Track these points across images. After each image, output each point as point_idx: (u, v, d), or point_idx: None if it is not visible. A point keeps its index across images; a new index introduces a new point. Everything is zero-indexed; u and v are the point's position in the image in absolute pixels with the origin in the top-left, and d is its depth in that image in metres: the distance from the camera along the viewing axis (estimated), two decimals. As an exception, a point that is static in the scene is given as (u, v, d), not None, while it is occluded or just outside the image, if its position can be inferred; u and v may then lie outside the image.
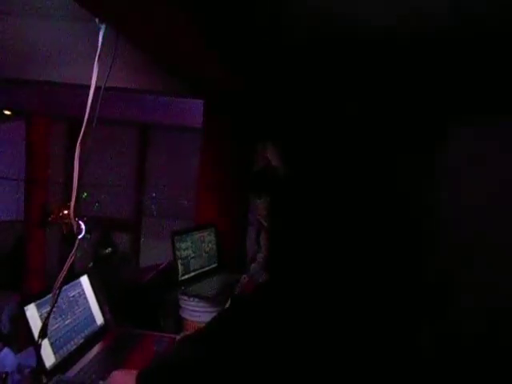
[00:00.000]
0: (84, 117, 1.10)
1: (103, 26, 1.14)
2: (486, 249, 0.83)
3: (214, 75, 1.73)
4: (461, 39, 1.17)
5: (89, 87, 1.15)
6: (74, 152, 1.10)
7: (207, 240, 2.07)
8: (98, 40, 1.13)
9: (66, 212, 3.49)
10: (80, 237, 1.07)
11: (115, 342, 1.41)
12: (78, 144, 1.09)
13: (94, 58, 1.12)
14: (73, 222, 1.05)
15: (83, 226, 1.44)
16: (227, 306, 1.49)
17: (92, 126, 1.11)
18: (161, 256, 2.88)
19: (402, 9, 1.15)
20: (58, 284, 0.99)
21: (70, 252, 1.03)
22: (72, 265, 1.05)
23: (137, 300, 2.11)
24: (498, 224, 0.85)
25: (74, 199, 1.07)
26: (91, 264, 3.41)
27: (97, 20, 1.14)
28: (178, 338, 1.46)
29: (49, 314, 0.97)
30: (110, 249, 4.11)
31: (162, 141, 4.60)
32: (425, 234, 0.82)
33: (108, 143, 4.06)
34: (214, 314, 1.73)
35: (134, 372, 0.81)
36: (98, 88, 1.14)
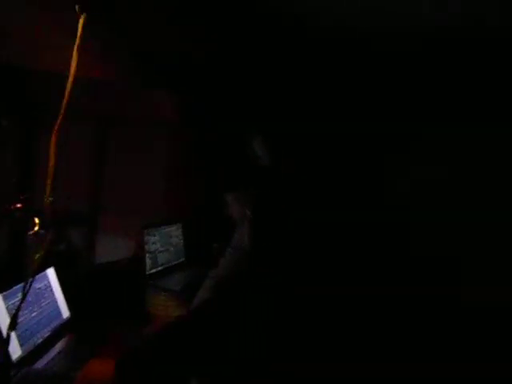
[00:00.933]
0: (60, 106, 1.09)
1: (83, 15, 1.13)
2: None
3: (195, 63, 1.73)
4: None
5: (63, 76, 1.14)
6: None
7: (175, 235, 2.08)
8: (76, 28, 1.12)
9: (18, 206, 3.34)
10: (32, 232, 1.06)
11: (82, 335, 1.39)
12: (54, 133, 1.07)
13: (73, 47, 1.11)
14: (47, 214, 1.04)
15: (37, 221, 1.42)
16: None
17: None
18: (118, 253, 2.83)
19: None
20: (30, 275, 0.98)
21: (44, 242, 1.02)
22: (22, 262, 1.04)
23: (101, 294, 2.08)
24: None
25: (48, 192, 1.05)
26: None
27: (77, 8, 1.12)
28: (145, 331, 1.47)
29: (19, 305, 0.95)
30: (62, 245, 3.98)
31: (123, 133, 4.49)
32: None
33: (63, 134, 3.92)
34: (180, 308, 1.76)
35: (112, 360, 0.82)
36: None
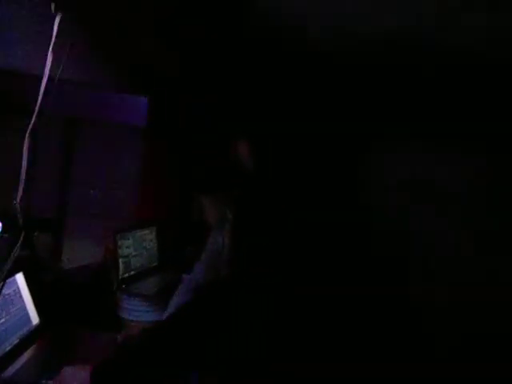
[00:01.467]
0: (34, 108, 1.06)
1: (59, 14, 1.11)
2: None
3: (168, 70, 1.72)
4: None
5: (37, 77, 1.11)
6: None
7: (148, 239, 2.05)
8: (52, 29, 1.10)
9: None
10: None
11: (53, 342, 1.35)
12: (27, 135, 1.05)
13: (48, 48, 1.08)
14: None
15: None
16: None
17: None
18: (87, 257, 2.77)
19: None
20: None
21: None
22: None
23: (71, 299, 2.03)
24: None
25: (20, 193, 1.02)
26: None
27: (52, 7, 1.10)
28: (119, 337, 1.44)
29: (-12, 311, 0.92)
30: (27, 250, 3.83)
31: (93, 137, 4.39)
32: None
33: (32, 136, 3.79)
34: (153, 314, 1.73)
35: (88, 367, 0.80)
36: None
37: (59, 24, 1.09)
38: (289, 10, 1.15)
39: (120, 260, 1.80)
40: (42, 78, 1.08)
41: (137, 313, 1.71)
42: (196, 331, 0.81)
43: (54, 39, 1.08)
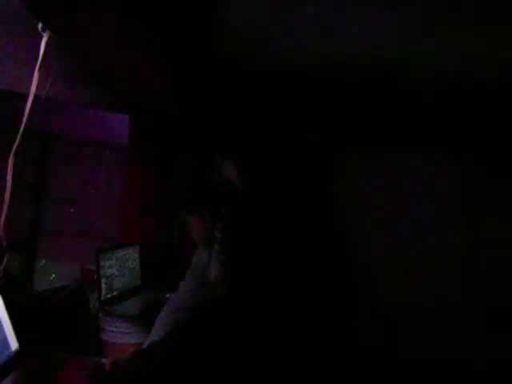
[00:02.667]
0: (20, 127, 1.04)
1: (46, 34, 1.10)
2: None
3: (152, 89, 1.73)
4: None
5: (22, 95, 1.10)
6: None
7: (131, 258, 2.01)
8: (39, 48, 1.09)
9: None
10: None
11: (35, 368, 1.30)
12: (11, 155, 1.03)
13: (34, 67, 1.07)
14: None
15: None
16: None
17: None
18: (60, 279, 2.68)
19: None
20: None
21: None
22: None
23: (49, 323, 1.95)
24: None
25: (4, 215, 0.99)
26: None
27: (39, 27, 1.09)
28: (105, 362, 1.40)
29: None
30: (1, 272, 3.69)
31: (69, 154, 4.31)
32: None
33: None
34: (137, 335, 1.69)
35: None
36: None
37: (46, 44, 1.08)
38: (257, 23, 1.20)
39: (102, 280, 1.76)
40: (27, 96, 1.07)
41: (121, 335, 1.66)
42: (194, 353, 0.80)
43: (40, 58, 1.08)
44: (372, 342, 1.75)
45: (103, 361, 1.40)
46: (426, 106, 1.81)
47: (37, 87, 1.07)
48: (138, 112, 2.26)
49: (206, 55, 1.45)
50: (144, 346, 1.27)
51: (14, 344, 1.34)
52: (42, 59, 1.07)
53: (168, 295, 1.94)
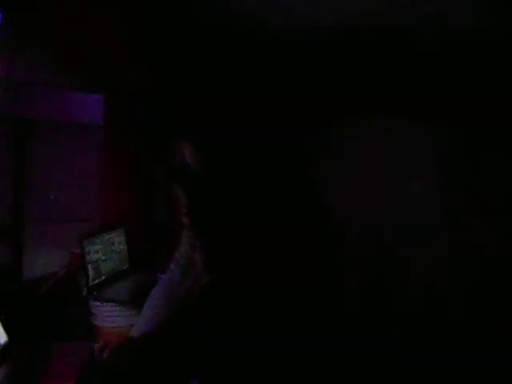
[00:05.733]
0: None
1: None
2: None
3: (121, 66, 1.66)
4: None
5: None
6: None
7: (117, 241, 1.99)
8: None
9: None
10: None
11: (26, 359, 1.29)
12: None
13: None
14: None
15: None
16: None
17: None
18: (49, 265, 2.65)
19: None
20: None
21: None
22: None
23: (39, 311, 1.94)
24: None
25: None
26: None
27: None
28: (95, 346, 1.39)
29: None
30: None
31: (48, 137, 4.19)
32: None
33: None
34: (129, 318, 1.68)
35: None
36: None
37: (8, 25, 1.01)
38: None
39: (89, 266, 1.73)
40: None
41: (111, 318, 1.66)
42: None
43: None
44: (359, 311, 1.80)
45: (96, 345, 1.39)
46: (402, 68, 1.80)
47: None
48: (112, 91, 2.19)
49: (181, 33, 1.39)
50: (132, 331, 1.27)
51: (2, 337, 1.32)
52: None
53: (158, 275, 1.93)
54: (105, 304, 1.66)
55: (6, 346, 1.31)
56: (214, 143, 1.18)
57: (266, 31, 1.46)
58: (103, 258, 1.83)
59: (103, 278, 1.82)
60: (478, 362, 1.67)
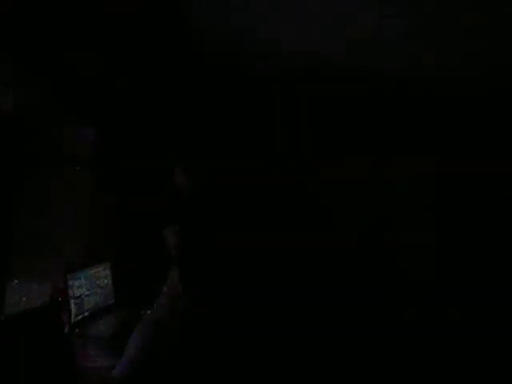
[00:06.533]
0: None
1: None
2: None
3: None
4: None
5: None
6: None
7: (103, 275, 1.93)
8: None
9: None
10: None
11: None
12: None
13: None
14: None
15: None
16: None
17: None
18: (32, 299, 2.56)
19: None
20: None
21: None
22: None
23: (17, 348, 1.84)
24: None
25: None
26: None
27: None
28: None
29: None
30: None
31: (37, 170, 4.17)
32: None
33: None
34: (111, 357, 1.61)
35: None
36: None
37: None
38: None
39: (72, 302, 1.67)
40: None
41: (93, 358, 1.59)
42: None
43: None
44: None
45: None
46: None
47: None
48: (103, 124, 2.19)
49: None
50: (115, 372, 1.21)
51: (-25, 378, 1.25)
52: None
53: (143, 311, 1.87)
54: (86, 341, 1.59)
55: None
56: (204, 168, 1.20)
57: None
58: (87, 293, 1.78)
59: (86, 313, 1.75)
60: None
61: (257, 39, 1.42)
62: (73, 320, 1.67)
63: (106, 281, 1.94)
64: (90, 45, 1.38)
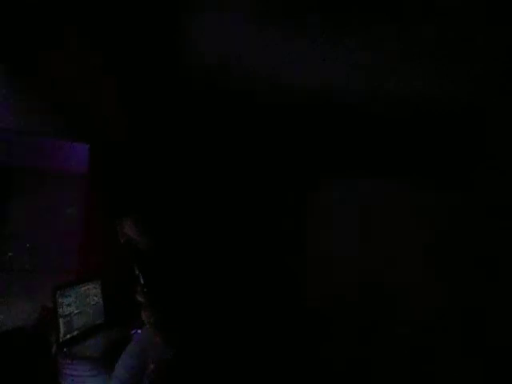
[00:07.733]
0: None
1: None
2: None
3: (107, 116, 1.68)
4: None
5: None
6: None
7: (93, 293, 1.90)
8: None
9: None
10: None
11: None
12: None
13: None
14: None
15: None
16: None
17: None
18: (19, 318, 2.51)
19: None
20: None
21: None
22: None
23: (4, 368, 1.79)
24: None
25: None
26: None
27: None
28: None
29: None
30: None
31: (28, 186, 4.13)
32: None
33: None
34: (99, 378, 1.57)
35: None
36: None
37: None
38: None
39: (60, 320, 1.64)
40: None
41: (81, 379, 1.54)
42: None
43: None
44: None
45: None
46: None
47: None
48: (98, 140, 2.20)
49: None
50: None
51: (-43, 399, 1.21)
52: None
53: (133, 331, 1.83)
54: (74, 362, 1.55)
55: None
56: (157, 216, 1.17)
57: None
58: (76, 311, 1.74)
59: (75, 333, 1.71)
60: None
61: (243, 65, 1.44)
62: (61, 339, 1.63)
63: (95, 299, 1.90)
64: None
